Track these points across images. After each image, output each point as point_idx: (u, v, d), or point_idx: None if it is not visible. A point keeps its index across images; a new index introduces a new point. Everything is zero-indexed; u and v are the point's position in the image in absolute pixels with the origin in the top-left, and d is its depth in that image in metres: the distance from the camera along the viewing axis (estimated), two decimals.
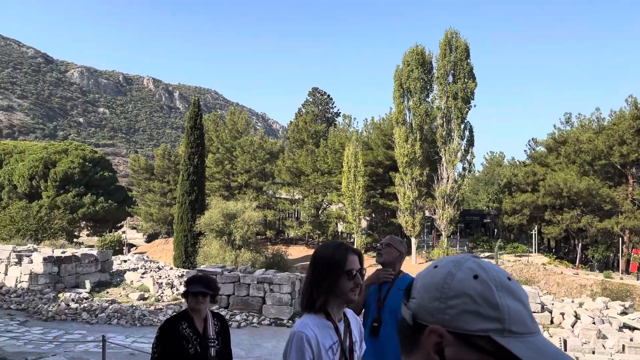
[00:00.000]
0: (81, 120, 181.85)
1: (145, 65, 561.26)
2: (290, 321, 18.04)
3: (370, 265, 26.98)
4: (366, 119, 43.70)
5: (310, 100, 55.36)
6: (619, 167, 33.19)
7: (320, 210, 41.80)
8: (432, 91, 34.75)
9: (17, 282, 23.25)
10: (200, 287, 3.56)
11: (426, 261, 33.80)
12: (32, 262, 23.16)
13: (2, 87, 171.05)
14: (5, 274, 23.88)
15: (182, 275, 24.17)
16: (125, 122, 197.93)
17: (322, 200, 41.63)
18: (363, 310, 3.84)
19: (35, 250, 25.05)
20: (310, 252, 39.71)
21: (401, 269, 3.88)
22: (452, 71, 33.23)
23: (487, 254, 37.78)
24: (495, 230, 48.00)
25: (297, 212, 43.61)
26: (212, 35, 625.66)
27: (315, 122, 47.49)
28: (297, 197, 43.36)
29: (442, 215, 32.68)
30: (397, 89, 34.39)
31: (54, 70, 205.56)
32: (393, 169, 35.87)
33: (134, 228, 54.32)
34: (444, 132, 33.14)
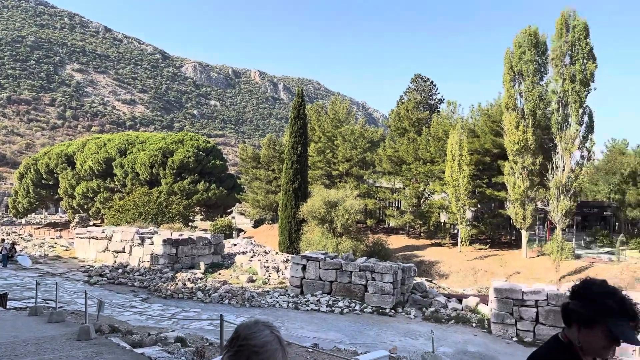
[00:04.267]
0: (195, 112, 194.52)
1: (253, 58, 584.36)
2: (392, 311, 17.94)
3: None
4: (472, 105, 41.91)
5: (413, 87, 54.18)
6: None
7: (422, 200, 40.94)
8: (546, 74, 32.33)
9: (139, 261, 25.60)
10: (635, 329, 2.07)
11: (538, 255, 31.80)
12: (152, 244, 25.35)
13: (125, 82, 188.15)
14: (130, 254, 26.40)
15: (287, 260, 25.01)
16: (234, 113, 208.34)
17: (424, 190, 40.74)
18: None
19: (156, 232, 27.33)
20: (412, 242, 39.14)
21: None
22: (569, 52, 30.61)
23: (606, 249, 34.67)
24: (617, 224, 43.87)
25: (398, 201, 43.12)
26: (313, 27, 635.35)
27: (417, 110, 46.44)
28: (398, 186, 42.84)
29: (557, 207, 30.44)
30: (507, 72, 32.47)
31: (170, 66, 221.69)
32: (501, 158, 34.05)
33: (242, 214, 57.12)
34: (560, 118, 30.73)
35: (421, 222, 39.57)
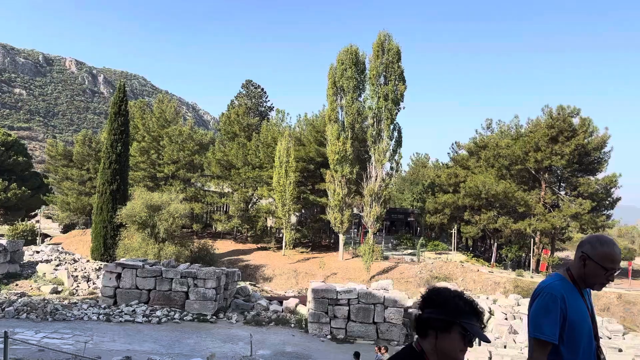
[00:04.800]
0: None
1: (68, 46, 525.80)
2: (214, 317, 17.71)
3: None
4: (299, 115, 43.82)
5: (244, 92, 54.54)
6: (533, 172, 35.45)
7: (250, 205, 41.35)
8: (364, 91, 35.36)
9: None
10: (481, 328, 2.23)
11: (353, 257, 34.42)
12: None
13: None
14: None
15: (100, 269, 23.04)
16: (43, 104, 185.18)
17: (252, 195, 41.20)
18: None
19: None
20: (239, 246, 39.21)
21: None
22: (384, 73, 33.94)
23: (409, 251, 39.08)
24: (419, 228, 49.79)
25: (226, 205, 42.87)
26: (142, 20, 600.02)
27: (248, 115, 46.84)
28: (226, 190, 42.60)
29: (370, 212, 33.38)
30: (330, 86, 34.67)
31: None
32: (324, 166, 36.15)
33: (49, 217, 51.02)
34: (374, 132, 33.83)
35: (248, 226, 39.91)
